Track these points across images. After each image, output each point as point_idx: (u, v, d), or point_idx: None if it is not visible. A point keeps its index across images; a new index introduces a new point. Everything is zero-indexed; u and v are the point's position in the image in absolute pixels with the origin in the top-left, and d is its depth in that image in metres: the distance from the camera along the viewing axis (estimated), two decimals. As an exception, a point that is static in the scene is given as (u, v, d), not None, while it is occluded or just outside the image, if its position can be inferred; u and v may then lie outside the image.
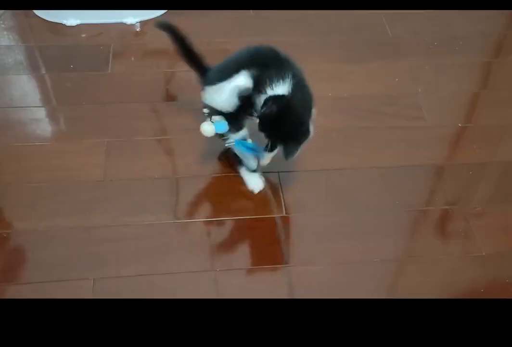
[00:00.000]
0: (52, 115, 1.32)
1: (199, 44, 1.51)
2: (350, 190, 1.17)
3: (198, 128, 1.29)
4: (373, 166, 1.21)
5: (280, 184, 1.16)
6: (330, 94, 1.36)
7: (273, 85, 0.97)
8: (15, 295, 0.97)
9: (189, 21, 1.53)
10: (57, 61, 1.42)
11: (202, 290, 0.99)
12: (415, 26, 1.57)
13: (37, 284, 0.98)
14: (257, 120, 0.98)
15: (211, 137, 1.09)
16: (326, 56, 1.48)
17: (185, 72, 1.44)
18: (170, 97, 1.38)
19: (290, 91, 0.97)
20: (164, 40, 1.50)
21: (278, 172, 1.18)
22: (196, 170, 1.18)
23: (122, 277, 1.00)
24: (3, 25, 1.51)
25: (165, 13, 1.54)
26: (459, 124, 1.32)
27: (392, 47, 1.51)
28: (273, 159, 1.15)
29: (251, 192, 1.13)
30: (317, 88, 1.38)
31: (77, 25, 1.50)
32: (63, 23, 1.50)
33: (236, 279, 1.01)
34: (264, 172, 1.15)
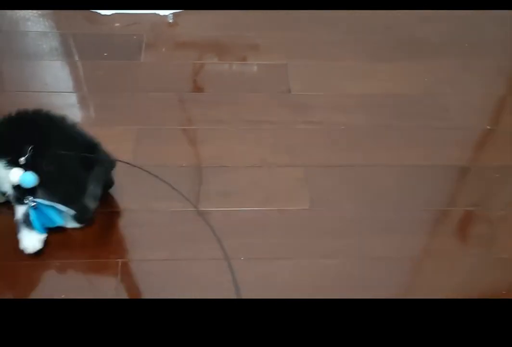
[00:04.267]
0: (84, 101, 1.35)
1: (227, 37, 1.54)
2: (374, 187, 1.18)
3: (224, 120, 1.32)
4: (397, 164, 1.22)
5: (306, 177, 1.18)
6: (357, 91, 1.37)
7: None
8: (44, 271, 1.00)
9: (218, 13, 1.55)
10: (91, 49, 1.45)
11: (225, 278, 1.01)
12: (446, 27, 1.57)
13: (67, 261, 1.01)
14: None
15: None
16: (355, 54, 1.48)
17: (213, 64, 1.47)
18: (197, 88, 1.40)
19: None
20: (194, 33, 1.54)
21: (304, 166, 1.20)
22: (222, 160, 1.20)
23: (147, 260, 1.02)
24: (39, 12, 1.54)
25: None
26: (488, 127, 1.32)
27: (422, 48, 1.51)
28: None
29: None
30: (345, 85, 1.40)
31: (112, 14, 1.53)
32: (98, 11, 1.53)
33: (258, 268, 1.03)
34: (288, 166, 1.18)
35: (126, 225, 1.08)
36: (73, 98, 1.34)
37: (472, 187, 1.20)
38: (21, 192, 0.98)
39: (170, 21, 1.55)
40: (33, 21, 1.52)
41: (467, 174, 1.23)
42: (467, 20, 1.60)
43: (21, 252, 1.00)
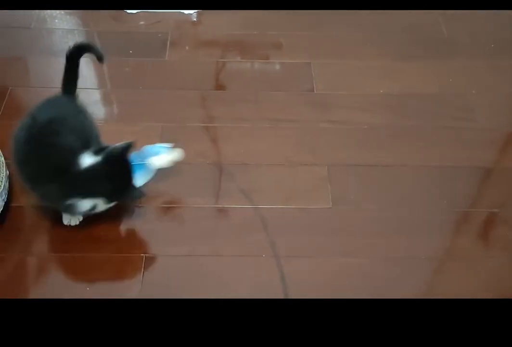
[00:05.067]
0: (109, 98, 1.37)
1: (250, 36, 1.54)
2: (396, 187, 1.18)
3: (246, 118, 1.32)
4: (421, 165, 1.21)
5: (328, 176, 1.18)
6: (381, 91, 1.37)
7: None
8: (70, 264, 1.02)
9: (241, 13, 1.56)
10: (116, 47, 1.47)
11: (246, 274, 1.02)
12: (471, 27, 1.56)
13: (92, 255, 1.03)
14: None
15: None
16: (379, 53, 1.48)
17: (236, 63, 1.48)
18: (220, 87, 1.40)
19: None
20: (218, 31, 1.55)
21: (327, 165, 1.20)
22: (245, 158, 1.21)
23: (170, 256, 1.03)
24: (66, 10, 1.56)
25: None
26: (512, 129, 1.31)
27: (447, 47, 1.50)
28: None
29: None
30: (369, 84, 1.40)
31: (137, 12, 1.54)
32: (123, 10, 1.55)
33: (280, 266, 1.03)
34: (310, 165, 1.18)
35: (149, 220, 1.09)
36: (97, 95, 1.36)
37: (496, 189, 1.19)
38: None
39: (194, 19, 1.56)
40: (60, 19, 1.55)
41: (491, 176, 1.22)
42: (493, 20, 1.58)
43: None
